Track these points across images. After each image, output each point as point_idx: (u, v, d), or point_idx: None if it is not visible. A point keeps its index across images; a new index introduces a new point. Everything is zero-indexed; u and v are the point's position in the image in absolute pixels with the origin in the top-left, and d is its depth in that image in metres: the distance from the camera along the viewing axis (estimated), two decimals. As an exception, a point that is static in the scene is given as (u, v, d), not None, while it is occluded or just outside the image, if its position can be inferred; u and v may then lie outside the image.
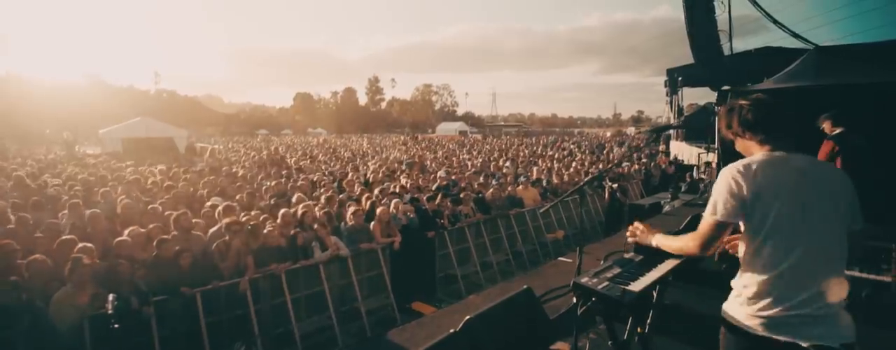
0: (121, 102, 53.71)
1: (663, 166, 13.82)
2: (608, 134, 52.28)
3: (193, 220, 5.61)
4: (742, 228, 1.70)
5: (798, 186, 1.61)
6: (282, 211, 6.24)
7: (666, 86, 21.46)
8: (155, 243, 4.60)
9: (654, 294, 2.30)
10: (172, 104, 70.75)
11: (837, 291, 1.59)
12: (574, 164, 13.39)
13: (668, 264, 2.14)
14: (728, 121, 1.79)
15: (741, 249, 1.73)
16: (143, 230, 5.01)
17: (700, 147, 13.32)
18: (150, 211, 6.20)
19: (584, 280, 1.92)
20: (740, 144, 1.79)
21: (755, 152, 1.72)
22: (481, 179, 9.54)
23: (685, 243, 1.80)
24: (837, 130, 5.33)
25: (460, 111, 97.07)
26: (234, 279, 4.82)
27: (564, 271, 4.94)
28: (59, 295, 3.82)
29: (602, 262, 2.15)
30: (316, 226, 5.80)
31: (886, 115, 7.41)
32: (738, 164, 1.66)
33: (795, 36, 9.39)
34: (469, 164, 13.46)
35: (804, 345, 1.55)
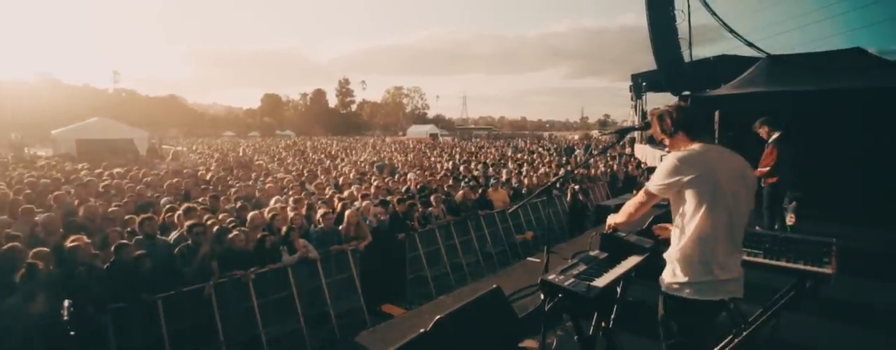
0: (76, 102, 51.24)
1: (628, 168, 14.25)
2: (576, 137, 53.44)
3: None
4: (679, 205, 1.99)
5: (725, 171, 1.94)
6: (250, 214, 6.11)
7: (631, 90, 22.20)
8: (113, 249, 4.42)
9: (618, 289, 2.39)
10: (132, 104, 67.91)
11: (740, 256, 2.03)
12: (542, 166, 13.62)
13: (631, 261, 2.25)
14: (661, 123, 2.11)
15: (678, 225, 2.01)
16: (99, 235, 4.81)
17: (661, 149, 13.82)
18: (109, 215, 5.95)
19: (551, 277, 2.00)
20: (672, 143, 2.11)
21: (684, 147, 2.05)
22: (451, 182, 9.58)
23: (625, 209, 2.21)
24: (775, 134, 5.69)
25: (431, 114, 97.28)
26: (198, 284, 4.69)
27: (532, 271, 5.04)
28: (8, 304, 3.62)
29: (569, 260, 2.22)
30: (284, 229, 5.70)
31: (830, 119, 7.95)
32: (680, 151, 2.02)
33: (750, 45, 9.90)
34: (439, 166, 13.50)
35: (719, 299, 1.94)
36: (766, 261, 2.41)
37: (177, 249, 4.75)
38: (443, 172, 11.24)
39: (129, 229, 5.31)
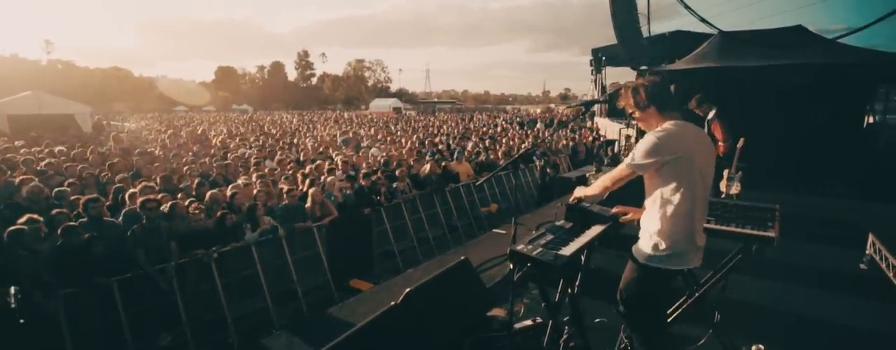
0: (3, 74, 46.95)
1: (588, 141, 14.62)
2: (538, 110, 54.12)
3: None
4: (658, 182, 2.06)
5: (698, 147, 2.04)
6: (209, 192, 5.90)
7: (591, 65, 22.52)
8: (60, 231, 4.18)
9: (583, 258, 2.49)
10: (70, 77, 62.90)
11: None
12: (505, 139, 13.76)
13: (595, 230, 2.34)
14: (635, 96, 2.14)
15: (657, 201, 2.08)
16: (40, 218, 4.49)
17: (621, 123, 14.24)
18: (57, 195, 5.58)
19: (519, 247, 2.05)
20: (642, 116, 2.16)
21: (655, 121, 2.12)
22: (415, 156, 9.54)
23: (602, 182, 2.28)
24: (713, 111, 6.01)
25: (394, 87, 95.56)
26: (156, 266, 4.52)
27: (499, 242, 5.16)
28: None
29: (534, 231, 2.28)
30: (245, 207, 5.56)
31: (772, 93, 8.41)
32: (659, 131, 2.06)
33: (704, 21, 10.18)
34: (404, 140, 13.39)
35: (684, 269, 2.11)
36: (718, 226, 2.57)
37: (130, 230, 4.53)
38: (407, 146, 11.16)
39: (74, 212, 5.02)
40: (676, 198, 2.00)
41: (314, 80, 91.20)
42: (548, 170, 9.88)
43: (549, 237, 2.17)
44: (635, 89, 2.14)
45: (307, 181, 6.84)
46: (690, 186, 2.00)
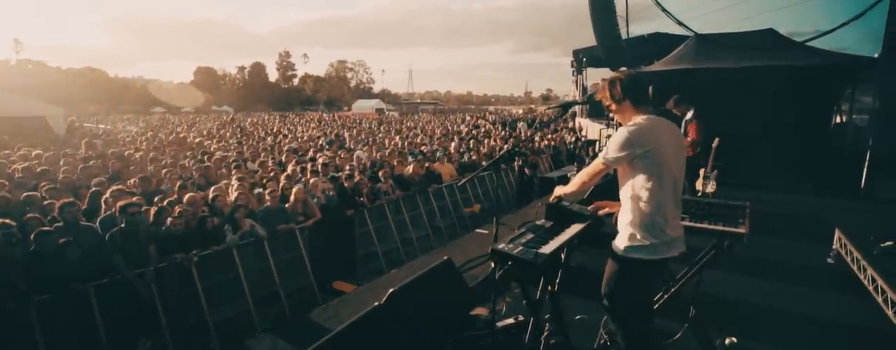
0: (-32, 75, 45.24)
1: (569, 141, 14.82)
2: (520, 111, 54.54)
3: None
4: (630, 175, 2.13)
5: (669, 144, 2.12)
6: (187, 195, 5.81)
7: (572, 66, 22.83)
8: (33, 237, 4.07)
9: (563, 256, 2.54)
10: (41, 77, 60.93)
11: (680, 215, 2.27)
12: (488, 140, 13.85)
13: (574, 228, 2.40)
14: (611, 90, 2.22)
15: (629, 193, 2.15)
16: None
17: (601, 123, 14.47)
18: (25, 200, 5.43)
19: (501, 246, 2.09)
20: (618, 109, 2.24)
21: (630, 115, 2.20)
22: (398, 157, 9.55)
23: (579, 178, 2.34)
24: (690, 111, 6.17)
25: (376, 88, 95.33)
26: (134, 270, 4.44)
27: (482, 242, 5.22)
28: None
29: (516, 230, 2.33)
30: (227, 209, 5.50)
31: (745, 94, 8.68)
32: (630, 125, 2.13)
33: (680, 23, 10.44)
34: (387, 141, 13.38)
35: (671, 255, 2.15)
36: (691, 224, 2.66)
37: (108, 234, 4.44)
38: (390, 147, 11.15)
39: (49, 217, 4.90)
40: (647, 189, 2.08)
41: (296, 81, 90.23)
42: (526, 169, 9.99)
43: (530, 236, 2.23)
44: (612, 82, 2.23)
45: (286, 182, 6.78)
46: (660, 178, 2.08)
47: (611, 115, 2.34)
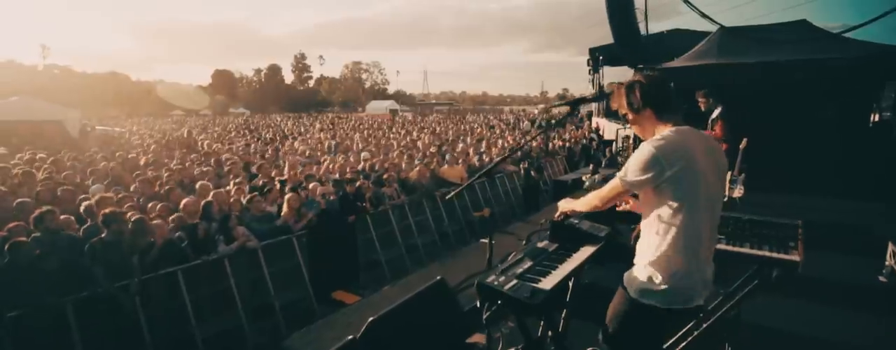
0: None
1: (584, 141, 14.30)
2: (535, 111, 53.88)
3: (70, 216, 4.79)
4: (655, 201, 1.71)
5: (705, 161, 1.69)
6: (183, 201, 5.57)
7: (589, 64, 22.20)
8: (7, 247, 3.84)
9: (571, 284, 2.13)
10: (67, 82, 62.56)
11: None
12: (501, 141, 13.43)
13: (584, 252, 1.99)
14: (629, 95, 1.80)
15: (654, 225, 1.73)
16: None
17: (618, 123, 13.91)
18: (15, 207, 5.24)
19: (490, 279, 1.70)
20: (636, 120, 1.82)
21: (650, 127, 1.78)
22: (406, 159, 9.21)
23: (590, 201, 1.94)
24: (718, 109, 5.68)
25: (391, 89, 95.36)
26: (117, 282, 4.18)
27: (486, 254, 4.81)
28: None
29: (510, 257, 1.93)
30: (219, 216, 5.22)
31: (775, 90, 8.09)
32: (656, 140, 1.69)
33: (704, 16, 9.85)
34: (395, 144, 13.06)
35: (691, 306, 1.72)
36: (729, 247, 2.19)
37: (87, 245, 4.19)
38: (397, 150, 10.81)
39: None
40: (678, 220, 1.65)
41: (311, 83, 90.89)
42: (532, 172, 9.55)
43: (527, 264, 1.82)
44: (630, 87, 1.80)
45: (281, 186, 6.49)
46: (695, 206, 1.65)
47: (628, 125, 1.92)
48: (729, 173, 6.08)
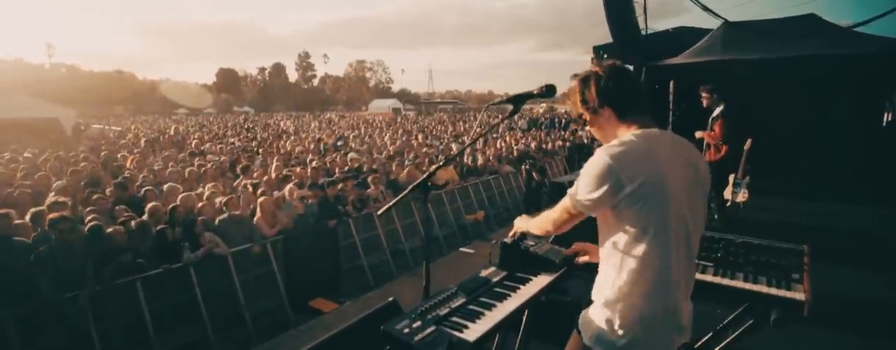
0: (6, 78, 46.73)
1: (585, 142, 13.92)
2: (541, 110, 53.37)
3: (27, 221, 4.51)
4: (614, 225, 1.36)
5: (679, 172, 1.34)
6: (150, 205, 5.28)
7: (592, 63, 21.77)
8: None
9: (524, 317, 1.78)
10: (73, 80, 62.77)
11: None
12: (499, 141, 13.07)
13: (535, 285, 1.61)
14: (584, 91, 1.43)
15: (611, 254, 1.37)
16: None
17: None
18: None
19: (400, 326, 1.34)
20: (594, 121, 1.47)
21: (610, 130, 1.44)
22: (396, 161, 8.88)
23: (543, 222, 1.60)
24: (720, 107, 5.30)
25: (396, 88, 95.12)
26: (68, 293, 3.90)
27: (468, 264, 4.49)
28: None
29: (445, 292, 1.57)
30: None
31: (781, 87, 7.68)
32: (615, 143, 1.34)
33: (706, 9, 9.45)
34: (388, 142, 12.74)
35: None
36: (717, 279, 1.76)
37: (33, 254, 3.90)
38: (387, 151, 10.48)
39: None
40: (639, 250, 1.30)
41: (315, 82, 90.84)
42: (534, 174, 9.19)
43: (459, 301, 1.47)
44: (584, 81, 1.43)
45: (253, 189, 6.20)
46: (661, 231, 1.29)
47: (587, 128, 1.55)
48: (732, 176, 5.72)
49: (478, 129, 17.67)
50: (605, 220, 1.39)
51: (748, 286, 1.72)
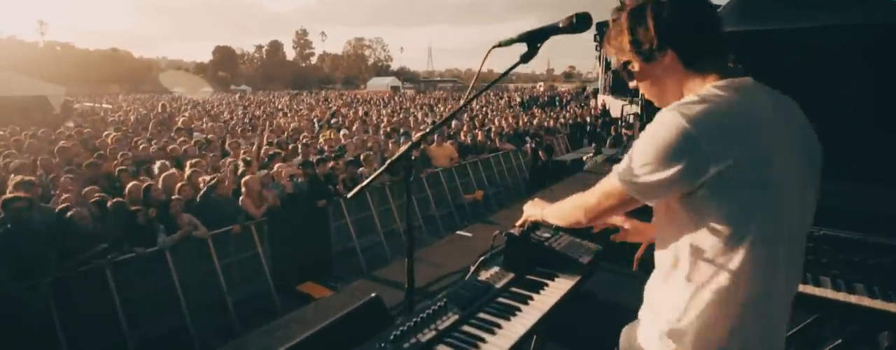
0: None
1: (589, 119, 13.48)
2: (541, 88, 52.63)
3: None
4: (685, 221, 0.92)
5: (788, 146, 0.90)
6: (129, 184, 4.92)
7: (595, 40, 21.05)
8: None
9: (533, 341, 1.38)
10: (67, 58, 61.70)
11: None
12: (498, 119, 12.61)
13: (555, 292, 1.19)
14: (633, 30, 0.95)
15: (676, 253, 0.95)
16: None
17: (624, 99, 13.00)
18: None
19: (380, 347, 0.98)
20: (647, 73, 0.99)
21: (673, 86, 0.98)
22: (392, 139, 8.48)
23: (569, 210, 1.16)
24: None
25: (395, 66, 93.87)
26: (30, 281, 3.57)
27: (461, 248, 4.14)
28: None
29: (428, 306, 1.18)
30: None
31: (808, 61, 7.20)
32: (693, 100, 0.89)
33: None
34: (386, 120, 12.29)
35: None
36: (819, 291, 1.25)
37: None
38: (383, 129, 10.05)
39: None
40: (733, 261, 0.88)
41: (314, 60, 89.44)
42: (540, 152, 8.78)
43: (450, 319, 1.08)
44: (636, 13, 0.95)
45: (232, 167, 5.82)
46: (768, 233, 0.88)
47: (634, 86, 1.06)
48: None
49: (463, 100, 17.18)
50: (672, 213, 0.95)
51: (843, 296, 1.25)
